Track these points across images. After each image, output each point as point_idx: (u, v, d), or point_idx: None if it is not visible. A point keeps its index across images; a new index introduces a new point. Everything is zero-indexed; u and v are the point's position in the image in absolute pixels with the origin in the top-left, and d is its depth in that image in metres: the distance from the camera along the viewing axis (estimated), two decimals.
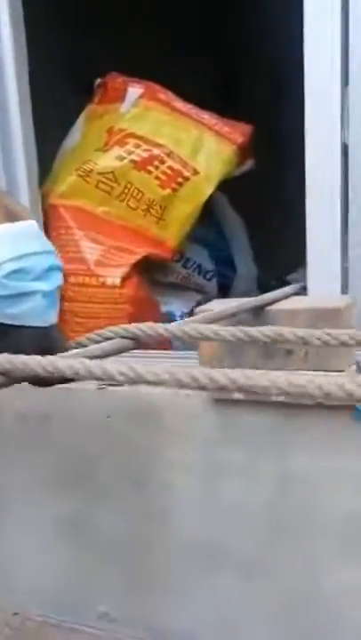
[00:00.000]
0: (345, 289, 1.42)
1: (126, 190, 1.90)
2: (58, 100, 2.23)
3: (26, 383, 0.90)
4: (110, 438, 1.48)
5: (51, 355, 0.84)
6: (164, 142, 1.89)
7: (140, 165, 1.88)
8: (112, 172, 1.89)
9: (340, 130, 1.36)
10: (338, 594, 1.27)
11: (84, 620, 1.57)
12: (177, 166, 1.87)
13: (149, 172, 1.88)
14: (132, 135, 1.92)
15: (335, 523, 1.25)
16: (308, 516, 1.27)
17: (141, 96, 2.01)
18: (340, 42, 1.33)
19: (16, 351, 0.85)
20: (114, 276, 1.80)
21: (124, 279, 1.79)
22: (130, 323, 0.97)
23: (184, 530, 1.42)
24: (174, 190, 1.88)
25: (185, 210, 1.90)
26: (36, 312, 1.03)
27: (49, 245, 1.06)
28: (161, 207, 1.90)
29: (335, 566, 1.26)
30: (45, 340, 1.01)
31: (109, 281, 1.79)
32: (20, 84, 1.72)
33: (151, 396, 1.39)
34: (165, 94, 1.99)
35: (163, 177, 1.88)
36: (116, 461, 1.50)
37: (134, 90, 2.03)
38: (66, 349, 0.99)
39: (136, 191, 1.90)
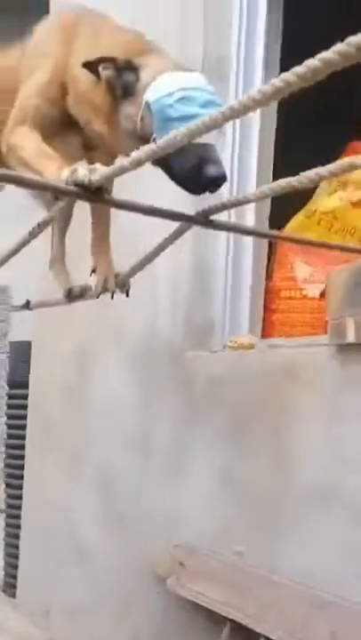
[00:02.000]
0: None
1: (343, 227, 2.22)
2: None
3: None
4: (262, 392, 1.75)
5: (209, 163, 1.22)
6: None
7: (357, 205, 2.19)
8: (332, 212, 2.23)
9: None
10: None
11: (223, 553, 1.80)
12: None
13: None
14: (356, 182, 2.25)
15: None
16: None
17: None
18: None
19: (183, 163, 1.20)
20: (316, 290, 2.09)
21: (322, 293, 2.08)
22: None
23: (307, 476, 1.59)
24: None
25: None
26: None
27: (211, 89, 1.33)
28: None
29: None
30: (205, 155, 1.26)
31: (310, 294, 2.09)
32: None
33: (292, 351, 1.65)
34: None
35: None
36: (262, 414, 1.75)
37: None
38: (218, 162, 1.27)
39: (351, 227, 2.20)
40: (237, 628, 1.79)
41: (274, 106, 2.09)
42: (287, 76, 0.70)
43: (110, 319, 2.62)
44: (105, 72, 1.40)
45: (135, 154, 1.08)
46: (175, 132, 1.00)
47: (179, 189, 1.91)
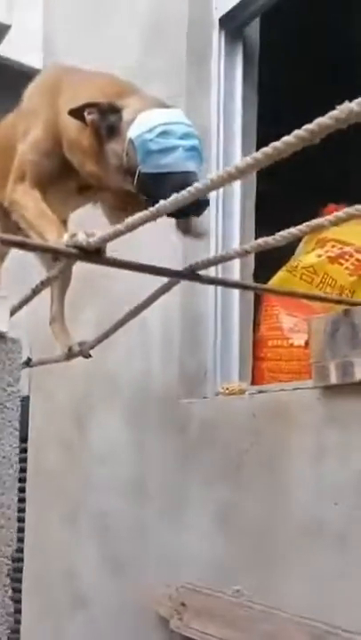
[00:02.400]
0: None
1: (323, 280, 2.38)
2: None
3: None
4: (253, 433, 1.88)
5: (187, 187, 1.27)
6: (355, 242, 2.36)
7: (334, 260, 2.36)
8: (312, 266, 2.40)
9: None
10: None
11: (223, 591, 1.89)
12: None
13: (341, 264, 2.35)
14: (332, 239, 2.43)
15: None
16: None
17: None
18: None
19: (166, 191, 1.26)
20: (301, 339, 2.24)
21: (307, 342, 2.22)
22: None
23: (299, 511, 1.71)
24: (360, 277, 2.31)
25: None
26: (179, 161, 1.40)
27: (189, 122, 1.46)
28: (350, 291, 2.33)
29: None
30: (185, 180, 1.33)
31: (296, 343, 2.24)
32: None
33: (280, 394, 1.79)
34: None
35: (351, 267, 2.32)
36: (255, 453, 1.87)
37: (343, 210, 2.57)
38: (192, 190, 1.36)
39: (331, 280, 2.37)
40: None
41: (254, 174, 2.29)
42: (257, 155, 0.87)
43: (105, 371, 2.74)
44: (90, 116, 1.54)
45: (130, 219, 1.23)
46: (160, 203, 1.15)
47: (167, 246, 2.09)
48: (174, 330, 2.37)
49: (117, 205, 1.83)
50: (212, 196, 2.30)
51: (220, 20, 2.41)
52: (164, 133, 1.42)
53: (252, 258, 2.38)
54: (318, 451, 1.70)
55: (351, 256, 2.35)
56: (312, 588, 1.70)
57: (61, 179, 1.73)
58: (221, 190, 2.29)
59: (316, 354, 1.70)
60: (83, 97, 1.59)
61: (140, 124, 1.47)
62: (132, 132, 1.47)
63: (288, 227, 2.01)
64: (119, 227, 1.18)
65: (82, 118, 1.56)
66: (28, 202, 1.68)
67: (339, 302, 1.70)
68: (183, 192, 1.09)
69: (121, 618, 2.48)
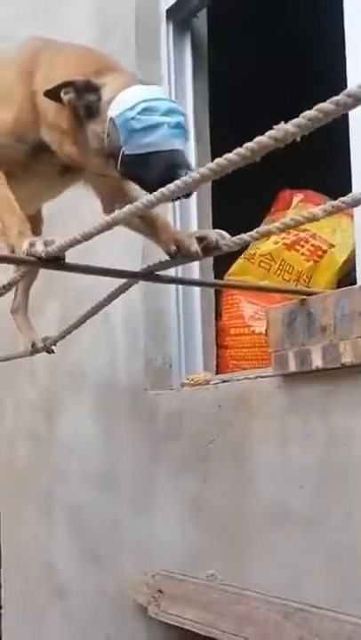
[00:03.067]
0: None
1: (281, 266, 2.43)
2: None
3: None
4: (219, 423, 1.93)
5: (178, 169, 1.24)
6: (310, 228, 2.41)
7: (290, 246, 2.41)
8: (270, 253, 2.44)
9: None
10: None
11: (198, 576, 1.96)
12: (317, 243, 2.37)
13: (297, 250, 2.40)
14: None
15: None
16: (348, 471, 1.55)
17: (301, 200, 2.59)
18: None
19: (152, 172, 1.24)
20: (262, 327, 2.29)
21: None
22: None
23: (265, 495, 1.77)
24: (316, 262, 2.36)
25: (325, 278, 2.36)
26: (165, 139, 1.31)
27: (172, 98, 1.45)
28: (307, 277, 2.38)
29: None
30: (174, 160, 1.29)
31: (257, 330, 2.29)
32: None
33: (243, 383, 1.84)
34: (318, 196, 2.54)
35: (307, 253, 2.38)
36: (221, 442, 1.92)
37: (297, 197, 2.62)
38: (187, 166, 1.30)
39: (288, 266, 2.42)
40: None
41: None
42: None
43: (72, 365, 2.77)
44: (66, 96, 1.43)
45: (91, 229, 1.25)
46: (129, 207, 1.14)
47: (127, 248, 2.11)
48: (138, 322, 2.40)
49: (106, 182, 1.69)
50: None
51: (167, 11, 2.41)
52: (146, 110, 1.33)
53: None
54: (281, 437, 1.76)
55: (307, 242, 2.40)
56: (281, 569, 1.77)
57: (41, 162, 1.61)
58: None
59: (275, 343, 1.75)
60: (59, 75, 1.47)
61: (121, 103, 1.37)
62: (113, 111, 1.38)
63: (245, 212, 2.04)
64: (77, 236, 1.20)
65: (58, 99, 1.45)
66: None
67: (295, 292, 1.74)
68: (164, 189, 1.05)
69: (99, 607, 2.53)
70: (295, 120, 0.76)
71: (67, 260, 1.39)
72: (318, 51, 3.19)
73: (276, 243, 2.44)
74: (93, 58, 1.57)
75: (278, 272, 2.44)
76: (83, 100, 1.43)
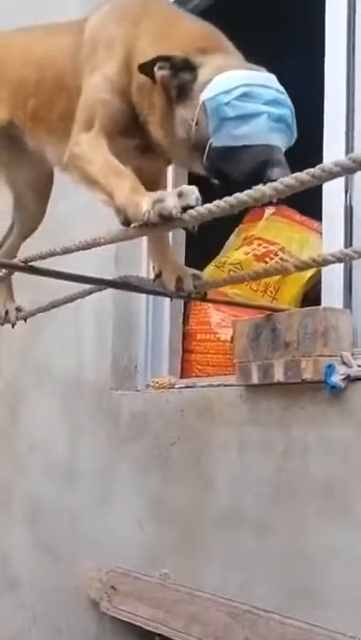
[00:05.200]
0: None
1: None
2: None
3: None
4: (181, 427, 1.99)
5: (270, 169, 1.04)
6: (279, 241, 2.48)
7: (260, 258, 2.48)
8: (239, 263, 2.51)
9: None
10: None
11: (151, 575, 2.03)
12: (286, 257, 2.43)
13: (266, 262, 2.46)
14: (259, 238, 2.54)
15: (320, 487, 1.58)
16: (302, 481, 1.62)
17: (273, 213, 2.65)
18: None
19: (242, 169, 1.05)
20: (227, 334, 2.35)
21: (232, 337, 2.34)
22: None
23: (221, 500, 1.84)
24: (284, 275, 2.43)
25: (292, 291, 2.43)
26: (261, 132, 1.11)
27: (281, 88, 1.14)
28: (275, 288, 2.45)
29: (321, 527, 1.58)
30: (268, 157, 1.10)
31: (223, 337, 2.35)
32: None
33: (207, 390, 1.90)
34: (289, 210, 2.61)
35: (276, 265, 2.44)
36: (182, 445, 1.99)
37: (269, 210, 2.69)
38: (283, 166, 1.09)
39: None
40: None
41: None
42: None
43: (37, 359, 2.80)
44: (160, 72, 1.25)
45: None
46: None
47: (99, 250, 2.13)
48: (107, 322, 2.44)
49: (149, 170, 1.49)
50: None
51: None
52: (245, 96, 1.14)
53: (183, 253, 2.46)
54: (241, 445, 1.82)
55: (276, 254, 2.47)
56: (233, 571, 1.83)
57: (125, 132, 1.39)
58: None
59: (240, 354, 1.81)
60: (168, 38, 1.30)
61: (217, 85, 1.17)
62: (206, 94, 1.19)
63: (217, 225, 2.07)
64: (58, 249, 1.23)
65: (152, 74, 1.26)
66: (95, 155, 1.32)
67: (261, 308, 1.80)
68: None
69: (52, 600, 2.57)
70: (273, 184, 0.84)
71: (39, 264, 1.41)
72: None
73: (247, 253, 2.51)
74: (205, 34, 1.34)
75: (247, 282, 2.50)
76: (177, 78, 1.24)
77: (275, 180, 1.02)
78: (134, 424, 2.24)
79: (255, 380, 1.76)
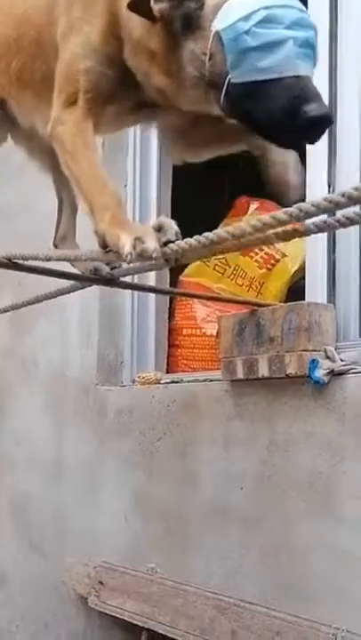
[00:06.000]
0: None
1: (235, 271, 2.50)
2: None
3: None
4: (167, 422, 1.99)
5: (307, 104, 0.90)
6: None
7: (245, 252, 2.48)
8: (225, 258, 2.51)
9: None
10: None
11: (139, 569, 2.04)
12: (271, 252, 2.44)
13: (251, 257, 2.47)
14: None
15: (304, 481, 1.59)
16: (286, 475, 1.63)
17: (258, 208, 2.66)
18: None
19: (271, 106, 0.91)
20: (213, 329, 2.36)
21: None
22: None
23: (207, 494, 1.85)
24: (269, 270, 2.44)
25: (277, 285, 2.44)
26: (290, 61, 0.96)
27: (301, 6, 1.00)
28: (259, 283, 2.46)
29: (305, 520, 1.59)
30: (300, 91, 0.95)
31: (209, 332, 2.36)
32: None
33: (192, 385, 1.91)
34: (273, 205, 2.60)
35: (260, 260, 2.45)
36: (168, 440, 1.99)
37: (254, 205, 2.69)
38: (320, 99, 0.94)
39: (242, 271, 2.49)
40: (153, 635, 2.00)
41: (169, 174, 2.36)
42: None
43: (24, 355, 2.79)
44: (159, 5, 1.07)
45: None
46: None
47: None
48: (93, 318, 2.44)
49: (183, 125, 1.32)
50: (129, 190, 2.38)
51: None
52: (266, 21, 0.98)
53: None
54: (226, 440, 1.83)
55: (261, 250, 2.47)
56: (219, 565, 1.85)
57: (118, 96, 1.25)
58: (137, 190, 2.35)
59: (225, 349, 1.82)
60: None
61: (232, 11, 1.01)
62: (220, 23, 1.03)
63: (204, 218, 2.08)
64: (41, 255, 1.21)
65: (147, 12, 1.09)
66: (79, 150, 1.20)
67: (246, 303, 1.81)
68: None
69: (40, 596, 2.57)
70: (253, 222, 0.86)
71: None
72: None
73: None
74: None
75: (232, 276, 2.51)
76: (180, 8, 1.07)
77: (314, 115, 0.94)
78: (120, 419, 2.25)
79: (240, 375, 1.77)
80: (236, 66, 1.01)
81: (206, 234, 0.96)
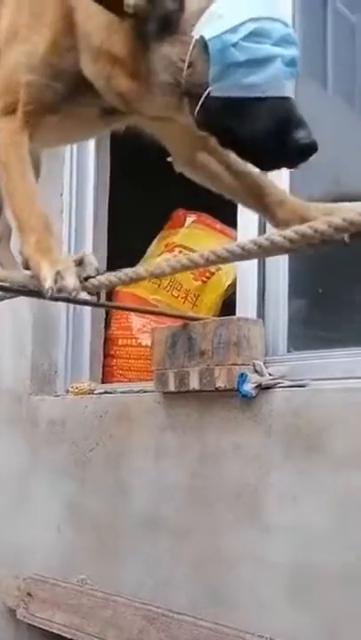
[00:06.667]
0: None
1: (171, 283, 2.53)
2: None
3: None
4: (99, 432, 2.00)
5: (286, 128, 0.86)
6: (199, 249, 2.52)
7: None
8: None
9: None
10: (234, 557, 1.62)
11: (69, 581, 2.03)
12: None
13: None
14: (179, 245, 2.58)
15: (232, 492, 1.63)
16: (215, 486, 1.67)
17: (194, 221, 2.70)
18: None
19: (254, 126, 0.88)
20: (149, 340, 2.38)
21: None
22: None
23: (139, 505, 1.86)
24: (204, 282, 2.48)
25: (212, 298, 2.48)
26: (277, 80, 0.92)
27: (286, 21, 0.96)
28: (195, 295, 2.50)
29: (232, 531, 1.63)
30: (287, 114, 0.92)
31: (144, 342, 2.38)
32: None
33: (125, 396, 1.92)
34: (209, 219, 2.66)
35: (196, 272, 2.49)
36: (100, 451, 2.00)
37: (190, 218, 2.73)
38: (301, 122, 0.91)
39: (178, 284, 2.52)
40: None
41: (106, 182, 2.38)
42: None
43: None
44: (134, 0, 0.98)
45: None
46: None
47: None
48: (26, 327, 2.42)
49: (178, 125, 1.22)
50: (65, 199, 2.37)
51: None
52: (254, 35, 0.92)
53: (104, 259, 2.47)
54: (157, 451, 1.85)
55: None
56: (149, 575, 1.86)
57: (76, 104, 1.18)
58: (74, 199, 2.35)
59: (158, 362, 1.84)
60: None
61: (216, 20, 0.95)
62: (206, 30, 0.95)
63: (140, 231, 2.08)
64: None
65: (115, 7, 0.99)
66: (13, 164, 1.15)
67: (179, 317, 1.84)
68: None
69: None
70: (172, 263, 0.89)
71: None
72: None
73: (168, 261, 2.53)
74: None
75: (168, 288, 2.54)
76: (159, 8, 0.99)
77: (304, 144, 0.92)
78: (53, 429, 2.24)
79: (172, 387, 1.79)
80: (218, 79, 0.96)
81: (126, 270, 1.01)
